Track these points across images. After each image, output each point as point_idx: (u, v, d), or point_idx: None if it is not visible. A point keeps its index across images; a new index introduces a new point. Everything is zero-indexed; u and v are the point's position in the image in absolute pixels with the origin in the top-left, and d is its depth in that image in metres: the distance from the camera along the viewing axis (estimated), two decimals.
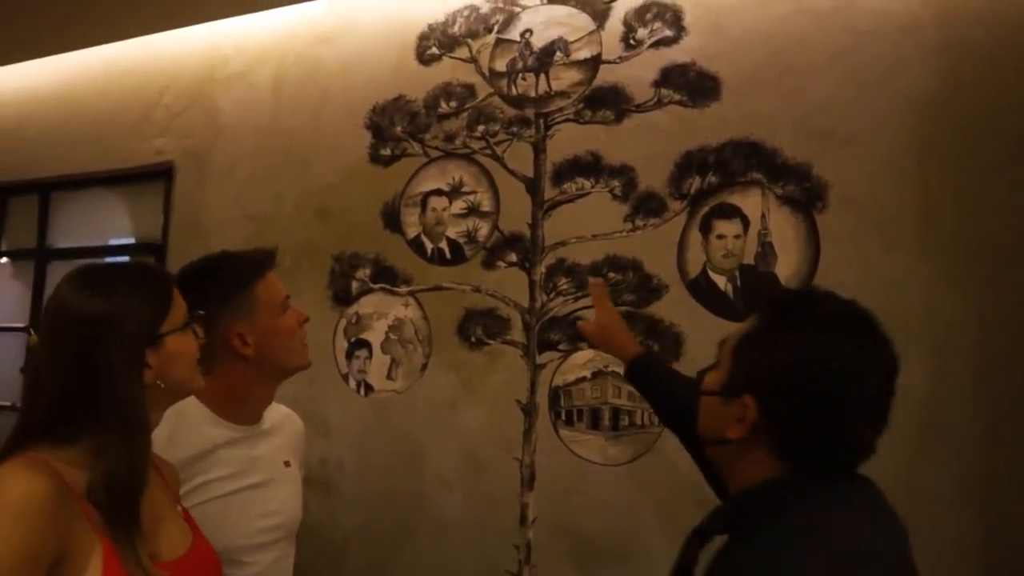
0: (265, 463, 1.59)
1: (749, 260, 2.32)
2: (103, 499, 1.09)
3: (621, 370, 1.93)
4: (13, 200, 3.97)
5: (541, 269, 2.57)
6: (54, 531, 1.03)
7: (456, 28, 2.80)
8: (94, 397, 1.12)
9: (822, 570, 0.88)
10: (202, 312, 1.32)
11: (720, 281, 2.35)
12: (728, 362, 1.06)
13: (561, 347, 2.51)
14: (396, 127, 2.86)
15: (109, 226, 3.63)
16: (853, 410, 0.97)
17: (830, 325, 1.00)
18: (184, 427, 1.49)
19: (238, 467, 1.54)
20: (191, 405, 1.53)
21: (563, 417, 2.48)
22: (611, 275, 2.47)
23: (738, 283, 2.33)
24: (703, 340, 2.31)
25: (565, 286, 2.53)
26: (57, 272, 3.65)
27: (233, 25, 3.26)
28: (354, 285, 2.89)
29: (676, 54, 2.45)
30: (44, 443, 1.11)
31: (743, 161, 2.34)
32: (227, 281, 1.53)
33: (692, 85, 2.42)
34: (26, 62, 3.81)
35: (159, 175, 3.40)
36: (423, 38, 2.85)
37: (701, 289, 2.36)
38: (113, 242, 3.63)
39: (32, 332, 3.66)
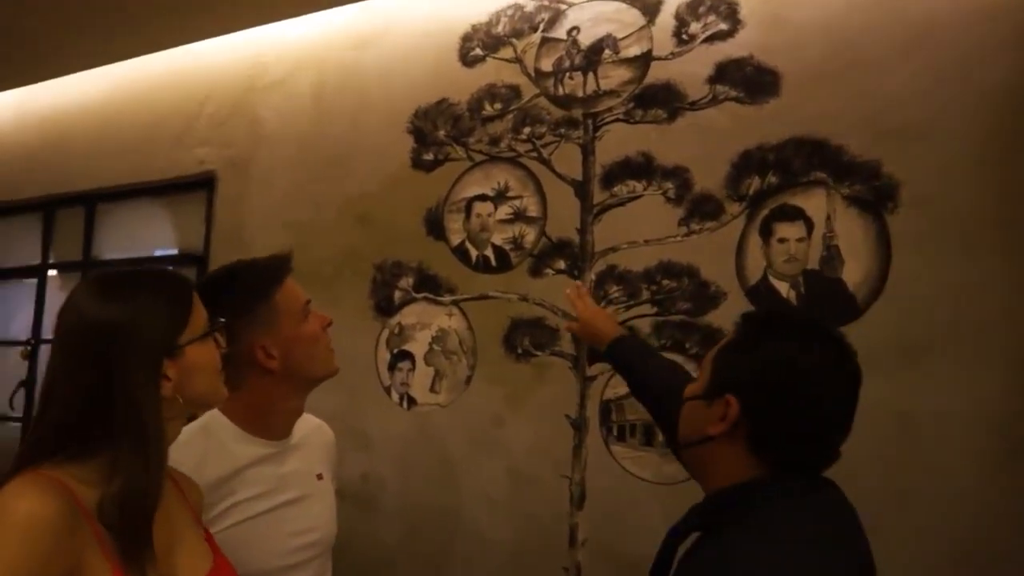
0: (297, 478, 1.52)
1: (813, 265, 2.17)
2: (115, 519, 1.02)
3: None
4: (61, 212, 3.97)
5: (591, 276, 2.45)
6: (61, 554, 0.96)
7: (500, 28, 2.70)
8: (108, 410, 1.05)
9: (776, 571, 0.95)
10: (223, 320, 1.24)
11: (782, 288, 2.20)
12: (708, 369, 1.16)
13: None
14: (439, 131, 2.77)
15: (153, 237, 3.60)
16: (823, 412, 1.07)
17: (803, 334, 1.12)
18: (212, 447, 1.43)
19: (269, 485, 1.46)
20: (219, 423, 1.47)
21: (615, 432, 2.35)
22: (665, 282, 2.33)
23: (801, 290, 2.18)
24: None
25: (616, 294, 2.40)
26: None
27: (273, 32, 3.21)
28: (396, 294, 2.80)
29: (732, 48, 2.32)
30: (56, 458, 1.04)
31: (806, 160, 2.20)
32: (245, 292, 1.46)
33: (749, 81, 2.29)
34: (72, 75, 3.81)
35: (201, 185, 3.36)
36: (466, 39, 2.76)
37: (761, 296, 2.22)
38: (158, 253, 3.60)
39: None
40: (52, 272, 4.00)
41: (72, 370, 1.07)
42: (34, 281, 4.00)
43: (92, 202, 3.81)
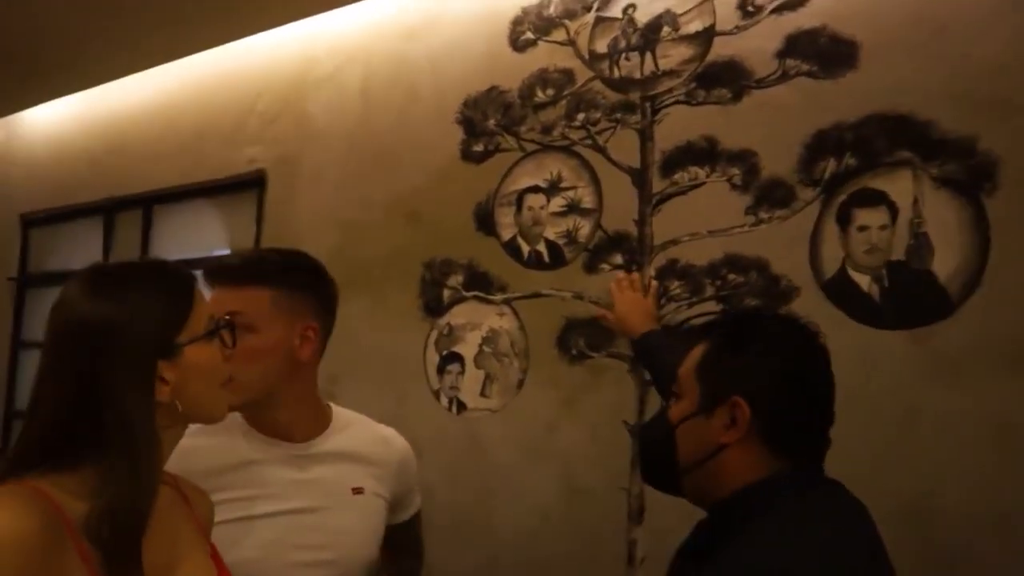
0: (320, 487, 1.40)
1: (898, 256, 1.94)
2: (102, 536, 0.92)
3: None
4: (120, 215, 3.98)
5: (650, 271, 2.26)
6: (40, 573, 0.88)
7: (552, 9, 2.54)
8: (97, 415, 0.95)
9: (811, 566, 0.96)
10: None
11: (863, 281, 1.98)
12: (694, 385, 1.15)
13: None
14: (489, 120, 2.63)
15: (207, 237, 3.57)
16: (820, 394, 1.12)
17: (774, 325, 1.20)
18: (208, 436, 1.31)
19: (277, 488, 1.36)
20: (233, 417, 1.37)
21: None
22: (731, 277, 2.14)
23: (885, 283, 1.95)
24: (843, 350, 1.90)
25: (678, 290, 2.21)
26: None
27: (322, 25, 3.13)
28: (446, 293, 2.66)
29: (803, 19, 2.10)
30: (42, 468, 0.95)
31: (888, 138, 1.97)
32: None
33: (823, 53, 2.07)
34: (130, 76, 3.82)
35: (252, 184, 3.31)
36: (516, 23, 2.61)
37: (840, 291, 2.00)
38: (213, 254, 3.56)
39: None
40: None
41: (59, 372, 0.99)
42: None
43: (149, 204, 3.81)
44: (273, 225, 3.20)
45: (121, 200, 3.88)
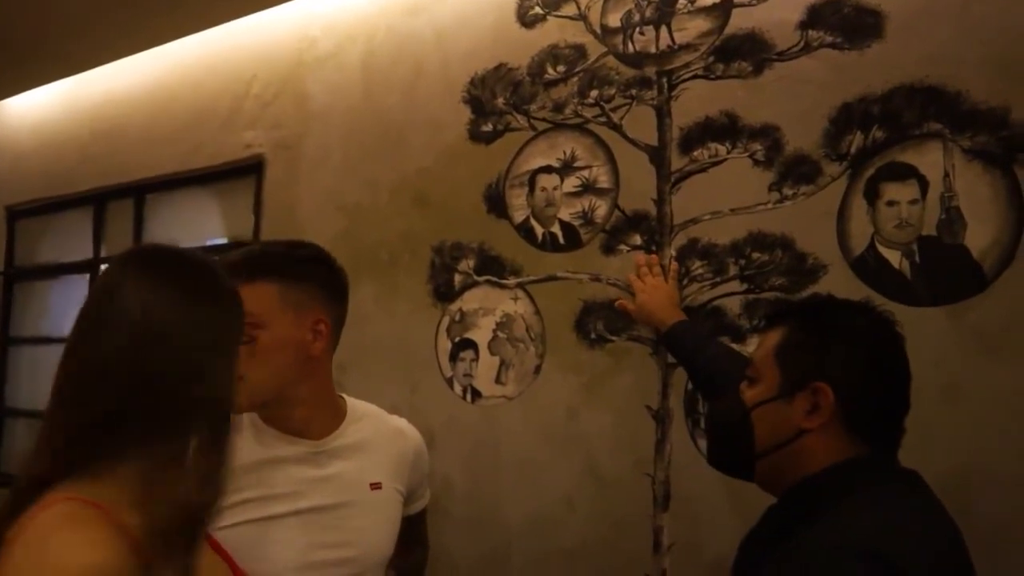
0: (338, 484, 1.36)
1: (930, 230, 1.88)
2: (162, 545, 0.86)
3: None
4: (111, 205, 3.88)
5: (671, 252, 2.20)
6: None
7: None
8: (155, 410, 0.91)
9: (900, 548, 0.94)
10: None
11: (893, 257, 1.93)
12: (774, 369, 1.15)
13: None
14: (498, 99, 2.55)
15: (203, 226, 3.47)
16: (899, 378, 1.12)
17: (860, 319, 1.16)
18: (243, 437, 1.30)
19: (296, 487, 1.32)
20: (251, 416, 1.32)
21: (702, 425, 2.11)
22: (755, 256, 2.08)
23: (916, 259, 1.90)
24: None
25: (700, 270, 2.15)
26: None
27: (318, 3, 3.03)
28: (457, 278, 2.59)
29: None
30: (81, 475, 0.87)
31: (918, 110, 1.91)
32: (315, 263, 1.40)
33: (848, 23, 2.01)
34: (119, 61, 3.71)
35: (249, 170, 3.21)
36: None
37: (869, 268, 1.94)
38: (208, 243, 3.47)
39: None
40: (105, 267, 3.91)
41: (109, 366, 0.92)
42: (87, 276, 3.92)
43: (141, 193, 3.70)
44: (273, 212, 3.11)
45: (112, 189, 3.77)
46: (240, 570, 1.12)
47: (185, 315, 0.93)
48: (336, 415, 1.46)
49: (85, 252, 3.94)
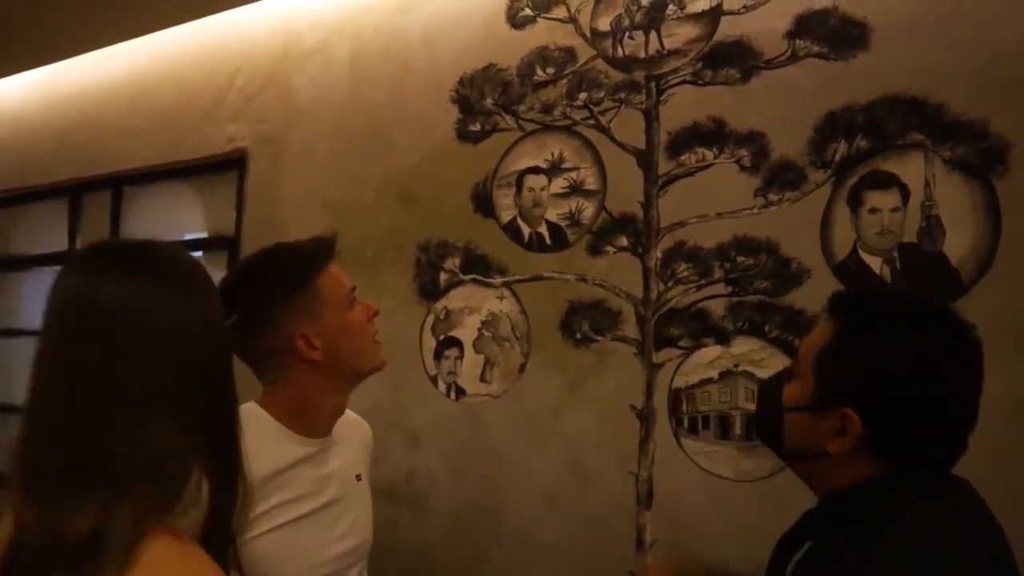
0: (337, 479, 1.41)
1: (910, 238, 1.94)
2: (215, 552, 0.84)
3: (755, 370, 2.03)
4: (87, 197, 3.83)
5: (657, 254, 2.23)
6: None
7: None
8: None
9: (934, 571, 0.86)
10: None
11: (874, 263, 1.98)
12: (811, 375, 1.03)
13: (682, 343, 2.17)
14: (486, 99, 2.57)
15: (182, 220, 3.44)
16: (952, 404, 0.97)
17: (914, 319, 1.01)
18: (253, 445, 1.26)
19: (311, 487, 1.35)
20: (259, 418, 1.34)
21: (686, 425, 2.15)
22: (740, 259, 2.12)
23: (897, 265, 1.95)
24: None
25: (685, 273, 2.19)
26: None
27: None
28: (442, 277, 2.60)
29: None
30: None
31: (900, 120, 1.96)
32: (284, 277, 1.33)
33: (834, 34, 2.05)
34: (99, 50, 3.66)
35: (232, 164, 3.19)
36: None
37: (851, 273, 1.99)
38: (187, 237, 3.44)
39: None
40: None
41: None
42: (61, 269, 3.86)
43: (119, 185, 3.66)
44: (255, 207, 3.09)
45: (89, 181, 3.73)
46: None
47: (172, 310, 0.86)
48: None
49: (60, 244, 3.88)
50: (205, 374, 0.86)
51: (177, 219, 3.46)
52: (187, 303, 0.88)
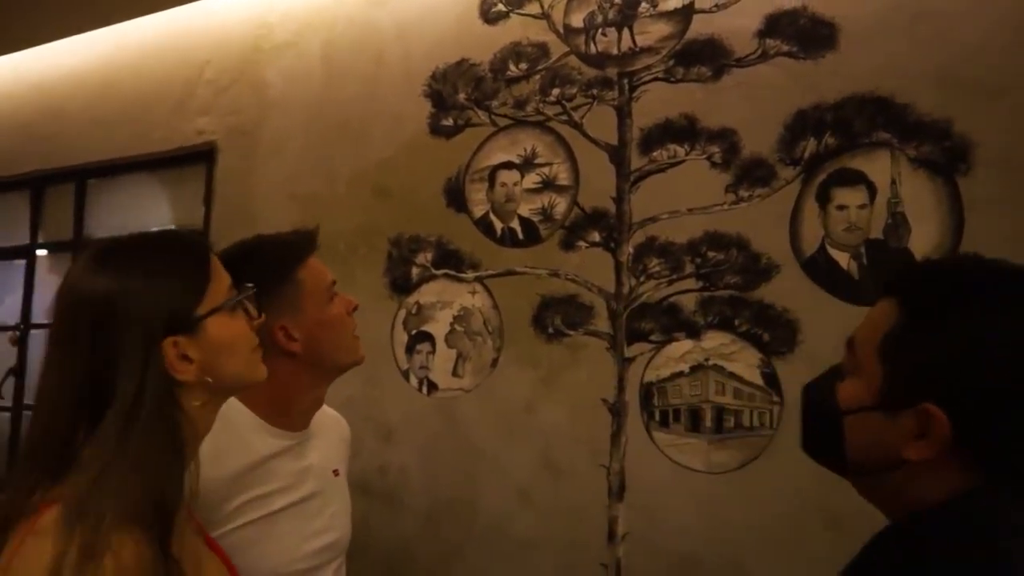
0: (315, 473, 1.39)
1: (877, 234, 1.98)
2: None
3: (725, 364, 2.04)
4: (50, 189, 3.76)
5: (629, 249, 2.26)
6: None
7: None
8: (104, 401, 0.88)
9: None
10: (252, 285, 1.06)
11: (842, 259, 2.02)
12: (876, 367, 0.83)
13: (653, 338, 2.20)
14: (459, 94, 2.57)
15: (149, 214, 3.40)
16: None
17: (1002, 297, 0.78)
18: (231, 437, 1.27)
19: (288, 480, 1.32)
20: (237, 411, 1.32)
21: (657, 418, 2.17)
22: (711, 254, 2.15)
23: (864, 261, 2.00)
24: (822, 327, 1.99)
25: (657, 268, 2.21)
26: None
27: None
28: (414, 271, 2.60)
29: None
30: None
31: (867, 119, 2.01)
32: (264, 269, 1.29)
33: (804, 33, 2.09)
34: (65, 39, 3.59)
35: (201, 157, 3.15)
36: None
37: (819, 268, 2.03)
38: (154, 231, 3.39)
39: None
40: (41, 252, 3.80)
41: (65, 359, 0.90)
42: (23, 262, 3.80)
43: (83, 178, 3.60)
44: (224, 200, 3.06)
45: (52, 173, 3.65)
46: (234, 568, 1.12)
47: (99, 300, 0.90)
48: None
49: (21, 238, 3.81)
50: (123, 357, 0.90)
51: (143, 214, 3.41)
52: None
